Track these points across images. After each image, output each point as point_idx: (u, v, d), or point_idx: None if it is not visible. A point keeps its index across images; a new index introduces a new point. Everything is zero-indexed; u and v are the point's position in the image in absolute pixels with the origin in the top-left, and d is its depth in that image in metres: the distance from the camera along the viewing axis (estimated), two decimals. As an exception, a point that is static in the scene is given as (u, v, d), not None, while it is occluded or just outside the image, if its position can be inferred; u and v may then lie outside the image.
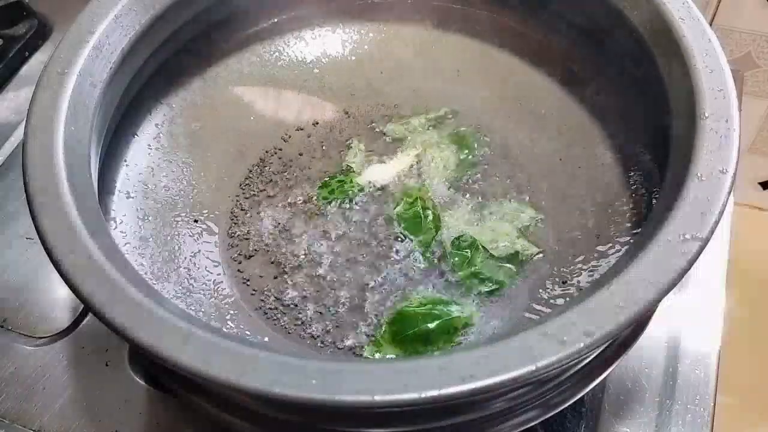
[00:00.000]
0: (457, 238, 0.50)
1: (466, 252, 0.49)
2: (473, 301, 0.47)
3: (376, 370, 0.33)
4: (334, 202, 0.53)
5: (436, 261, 0.49)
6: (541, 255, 0.49)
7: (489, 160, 0.55)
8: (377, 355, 0.45)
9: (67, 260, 0.36)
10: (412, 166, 0.54)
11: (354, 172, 0.55)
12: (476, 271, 0.48)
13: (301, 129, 0.58)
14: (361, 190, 0.54)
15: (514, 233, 0.50)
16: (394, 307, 0.47)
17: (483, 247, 0.50)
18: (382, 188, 0.54)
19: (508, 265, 0.49)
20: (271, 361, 0.33)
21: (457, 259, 0.49)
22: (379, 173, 0.54)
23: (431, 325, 0.46)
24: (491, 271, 0.49)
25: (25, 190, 0.39)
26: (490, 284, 0.48)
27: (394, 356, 0.45)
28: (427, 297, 0.48)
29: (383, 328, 0.46)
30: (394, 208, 0.51)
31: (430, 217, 0.50)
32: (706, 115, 0.40)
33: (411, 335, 0.45)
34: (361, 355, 0.45)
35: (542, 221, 0.51)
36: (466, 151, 0.54)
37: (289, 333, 0.47)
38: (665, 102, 0.44)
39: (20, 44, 0.70)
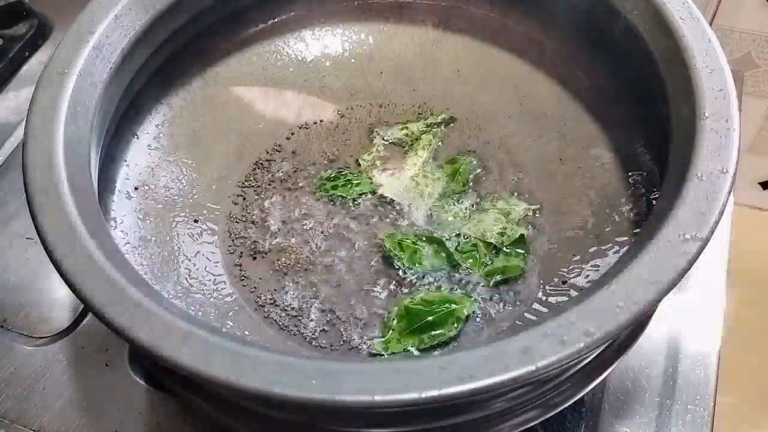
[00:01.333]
0: (458, 240, 0.50)
1: (474, 253, 0.49)
2: (476, 293, 0.48)
3: (376, 370, 0.33)
4: (337, 203, 0.53)
5: (449, 266, 0.49)
6: (535, 232, 0.50)
7: (488, 160, 0.55)
8: (387, 353, 0.45)
9: (68, 260, 0.36)
10: (408, 186, 0.54)
11: (363, 173, 0.55)
12: (492, 269, 0.49)
13: (301, 129, 0.58)
14: (363, 194, 0.53)
15: (504, 218, 0.51)
16: (397, 305, 0.47)
17: (485, 242, 0.50)
18: (384, 198, 0.53)
19: (517, 250, 0.49)
20: (271, 361, 0.33)
21: (470, 261, 0.49)
22: (381, 181, 0.54)
23: (436, 317, 0.46)
24: (504, 261, 0.49)
25: (25, 190, 0.39)
26: (508, 273, 0.48)
27: (404, 350, 0.45)
28: (429, 294, 0.48)
29: (392, 324, 0.46)
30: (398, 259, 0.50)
31: (425, 247, 0.50)
32: (706, 115, 0.40)
33: (417, 328, 0.46)
34: (369, 351, 0.45)
35: (536, 213, 0.51)
36: (462, 183, 0.54)
37: (289, 333, 0.47)
38: (665, 102, 0.44)
39: (20, 44, 0.70)
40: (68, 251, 0.36)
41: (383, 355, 0.45)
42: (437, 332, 0.46)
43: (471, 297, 0.47)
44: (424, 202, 0.53)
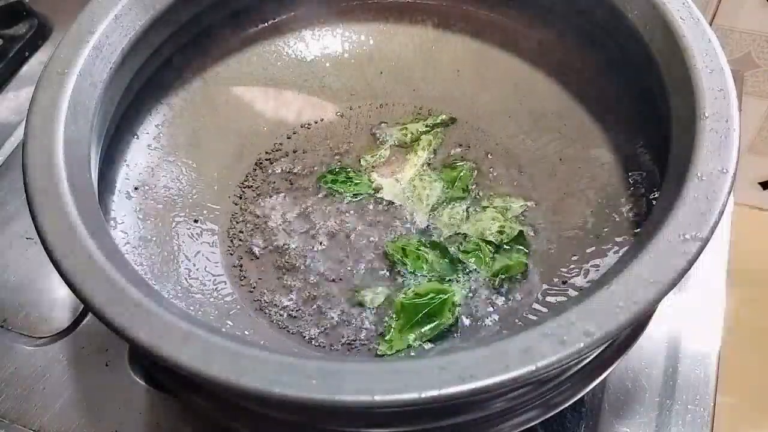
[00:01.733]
0: (460, 240, 0.50)
1: (477, 253, 0.49)
2: (475, 292, 0.48)
3: (376, 370, 0.33)
4: (337, 204, 0.53)
5: (452, 272, 0.49)
6: (532, 231, 0.50)
7: (488, 160, 0.55)
8: (392, 352, 0.45)
9: (67, 260, 0.36)
10: (407, 188, 0.54)
11: (363, 173, 0.55)
12: (495, 268, 0.49)
13: (301, 129, 0.58)
14: (359, 194, 0.53)
15: (501, 216, 0.51)
16: (392, 303, 0.47)
17: (485, 241, 0.50)
18: (383, 200, 0.53)
19: (517, 246, 0.49)
20: (271, 361, 0.33)
21: (473, 260, 0.49)
22: (380, 182, 0.54)
23: (431, 308, 0.47)
24: (506, 259, 0.49)
25: (25, 190, 0.39)
26: (513, 271, 0.48)
27: (408, 346, 0.45)
28: (419, 286, 0.48)
29: (392, 323, 0.46)
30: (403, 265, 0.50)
31: (428, 253, 0.50)
32: (706, 115, 0.40)
33: (416, 323, 0.46)
34: (375, 352, 0.46)
35: (533, 209, 0.51)
36: (462, 189, 0.53)
37: (289, 333, 0.47)
38: (665, 102, 0.44)
39: (20, 44, 0.70)
40: (68, 251, 0.36)
41: (388, 355, 0.45)
42: (435, 323, 0.46)
43: (464, 278, 0.48)
44: (423, 205, 0.53)
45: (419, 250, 0.50)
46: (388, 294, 0.48)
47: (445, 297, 0.47)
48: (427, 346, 0.46)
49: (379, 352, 0.45)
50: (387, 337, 0.46)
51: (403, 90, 0.59)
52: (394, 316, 0.47)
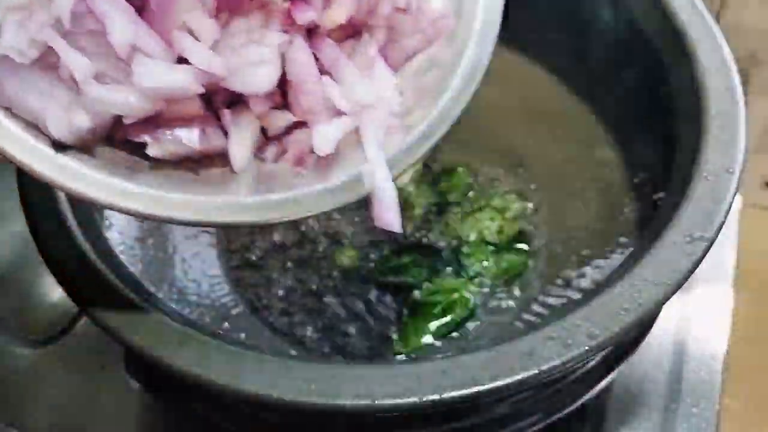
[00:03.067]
0: (459, 242, 0.50)
1: (477, 254, 0.49)
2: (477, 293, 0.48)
3: (377, 375, 0.32)
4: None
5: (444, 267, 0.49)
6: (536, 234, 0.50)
7: (488, 161, 0.54)
8: (406, 349, 0.45)
9: (62, 262, 0.36)
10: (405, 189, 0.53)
11: None
12: (496, 268, 0.49)
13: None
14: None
15: (499, 216, 0.50)
16: (405, 301, 0.48)
17: (485, 242, 0.50)
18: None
19: (517, 246, 0.49)
20: (270, 365, 0.32)
21: (472, 260, 0.49)
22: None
23: (445, 304, 0.47)
24: (506, 259, 0.49)
25: (19, 190, 0.39)
26: (512, 271, 0.48)
27: (423, 344, 0.45)
28: (432, 283, 0.48)
29: (406, 320, 0.46)
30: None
31: (416, 256, 0.50)
32: (712, 114, 0.40)
33: (430, 319, 0.46)
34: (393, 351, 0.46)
35: (533, 208, 0.51)
36: (462, 194, 0.53)
37: (287, 336, 0.46)
38: (670, 101, 0.44)
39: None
40: (62, 252, 0.36)
41: (402, 353, 0.45)
42: (450, 318, 0.46)
43: (463, 277, 0.48)
44: (421, 204, 0.52)
45: (401, 258, 0.49)
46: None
47: (459, 295, 0.47)
48: (440, 343, 0.46)
49: (395, 352, 0.45)
50: (402, 336, 0.46)
51: (404, 89, 0.59)
52: (407, 314, 0.47)
